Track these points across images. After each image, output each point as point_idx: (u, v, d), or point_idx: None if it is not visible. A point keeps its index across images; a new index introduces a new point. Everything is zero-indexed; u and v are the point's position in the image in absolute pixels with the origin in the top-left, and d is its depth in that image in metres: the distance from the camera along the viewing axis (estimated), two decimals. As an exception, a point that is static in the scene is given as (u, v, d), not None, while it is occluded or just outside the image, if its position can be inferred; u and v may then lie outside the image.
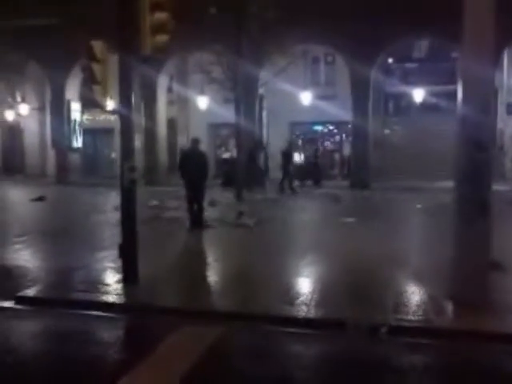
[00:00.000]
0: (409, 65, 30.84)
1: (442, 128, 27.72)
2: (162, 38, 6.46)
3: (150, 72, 21.57)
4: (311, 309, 5.78)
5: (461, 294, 5.74)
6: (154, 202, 14.61)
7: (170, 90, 25.18)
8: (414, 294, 6.33)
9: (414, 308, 5.82)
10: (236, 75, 13.01)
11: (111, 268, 7.48)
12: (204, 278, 7.31)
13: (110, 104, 6.53)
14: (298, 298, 6.09)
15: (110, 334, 5.49)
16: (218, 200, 14.72)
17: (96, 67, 6.51)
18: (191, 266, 7.97)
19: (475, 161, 5.69)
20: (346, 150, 25.89)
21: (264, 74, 18.43)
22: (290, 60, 16.41)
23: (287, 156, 19.77)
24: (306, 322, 5.50)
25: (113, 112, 7.74)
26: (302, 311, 5.72)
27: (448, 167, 21.96)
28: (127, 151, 6.66)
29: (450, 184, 19.55)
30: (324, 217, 13.59)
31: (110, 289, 6.54)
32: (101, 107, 6.84)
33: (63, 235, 10.42)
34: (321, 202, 16.78)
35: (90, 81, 6.54)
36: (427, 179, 22.05)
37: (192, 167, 10.94)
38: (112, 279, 6.96)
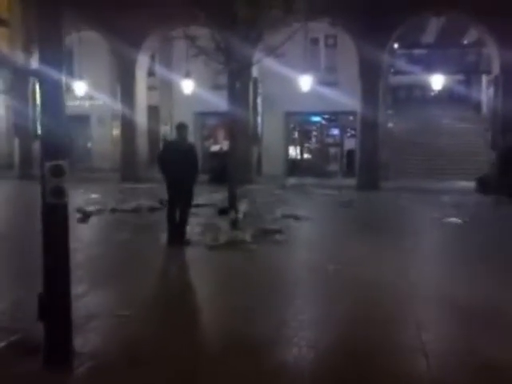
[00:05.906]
0: (415, 51, 28.23)
1: (448, 121, 25.30)
2: None
3: (128, 50, 18.68)
4: None
5: None
6: (125, 206, 11.82)
7: (151, 74, 22.31)
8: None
9: None
10: (228, 45, 10.21)
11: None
12: (178, 350, 4.44)
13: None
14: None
15: None
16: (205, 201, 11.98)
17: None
18: (159, 321, 5.13)
19: None
20: (348, 144, 23.26)
21: (257, 53, 15.64)
22: (288, 37, 13.55)
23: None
24: None
25: (27, 72, 4.95)
26: None
27: (458, 165, 19.14)
28: (51, 142, 3.91)
29: (464, 184, 16.06)
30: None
31: (14, 380, 3.78)
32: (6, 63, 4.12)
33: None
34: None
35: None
36: (436, 178, 19.62)
37: (177, 162, 8.22)
38: (29, 353, 4.17)
